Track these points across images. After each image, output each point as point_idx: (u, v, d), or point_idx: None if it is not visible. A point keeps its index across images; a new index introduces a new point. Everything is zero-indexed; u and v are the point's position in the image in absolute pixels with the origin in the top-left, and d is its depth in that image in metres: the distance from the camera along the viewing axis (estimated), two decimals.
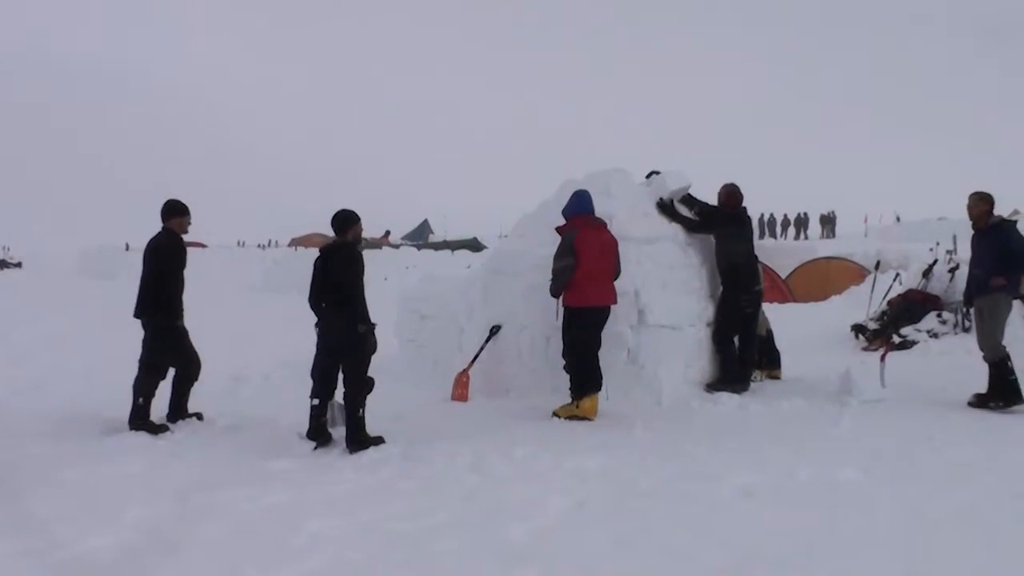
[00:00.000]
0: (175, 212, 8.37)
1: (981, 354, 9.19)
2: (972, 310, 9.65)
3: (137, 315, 8.23)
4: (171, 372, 8.36)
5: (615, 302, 9.00)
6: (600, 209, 9.45)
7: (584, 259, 8.75)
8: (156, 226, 8.26)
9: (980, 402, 9.03)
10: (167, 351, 8.25)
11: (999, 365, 9.00)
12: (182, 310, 8.28)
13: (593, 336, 8.88)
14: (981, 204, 9.20)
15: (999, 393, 8.98)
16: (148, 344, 8.21)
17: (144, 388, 8.12)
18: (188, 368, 8.39)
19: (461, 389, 9.69)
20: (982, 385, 9.18)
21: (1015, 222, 9.20)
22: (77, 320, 18.93)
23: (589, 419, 8.59)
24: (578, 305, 8.79)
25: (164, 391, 8.32)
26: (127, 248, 44.57)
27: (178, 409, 8.36)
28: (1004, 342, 9.08)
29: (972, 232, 9.41)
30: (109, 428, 8.03)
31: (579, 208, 9.09)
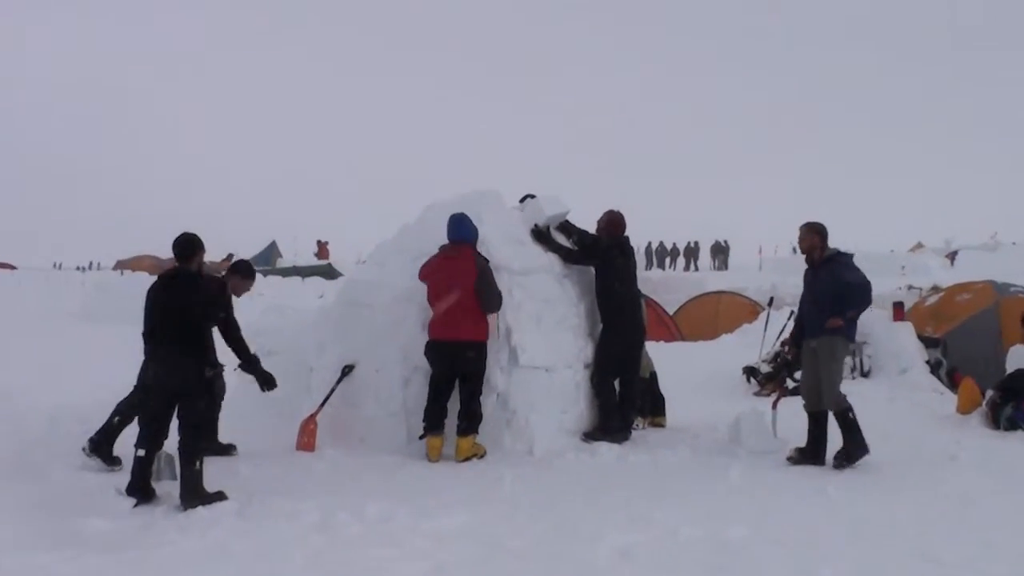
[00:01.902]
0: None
1: (804, 403, 9.35)
2: (798, 352, 9.75)
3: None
4: None
5: (470, 336, 9.16)
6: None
7: (429, 290, 9.34)
8: None
9: (803, 458, 9.11)
10: None
11: (843, 416, 9.04)
12: None
13: (438, 372, 9.24)
14: (812, 236, 9.26)
15: (846, 448, 9.02)
16: None
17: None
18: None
19: (307, 437, 9.53)
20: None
21: (851, 255, 9.27)
22: None
23: (429, 459, 9.02)
24: (428, 338, 9.32)
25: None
26: None
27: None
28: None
29: (805, 267, 9.52)
30: None
31: (447, 235, 9.48)
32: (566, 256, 10.51)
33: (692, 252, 55.22)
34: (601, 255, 10.42)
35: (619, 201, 10.66)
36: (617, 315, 10.28)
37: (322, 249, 50.36)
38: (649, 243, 55.51)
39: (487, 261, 9.44)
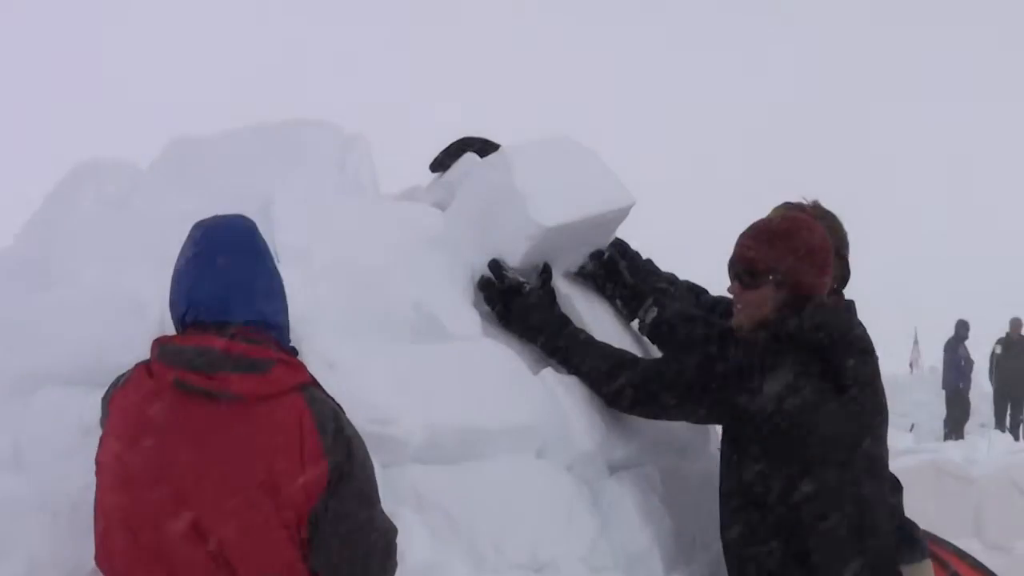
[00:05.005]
0: None
1: None
2: None
3: None
4: None
5: None
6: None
7: (107, 492, 5.61)
8: None
9: None
10: None
11: None
12: None
13: None
14: None
15: None
16: None
17: None
18: None
19: None
20: None
21: None
22: None
23: None
24: None
25: None
26: None
27: None
28: None
29: None
30: None
31: (179, 297, 5.65)
32: (606, 384, 6.21)
33: None
34: (752, 376, 5.83)
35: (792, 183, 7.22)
36: None
37: None
38: (967, 335, 46.87)
39: (339, 408, 5.63)
